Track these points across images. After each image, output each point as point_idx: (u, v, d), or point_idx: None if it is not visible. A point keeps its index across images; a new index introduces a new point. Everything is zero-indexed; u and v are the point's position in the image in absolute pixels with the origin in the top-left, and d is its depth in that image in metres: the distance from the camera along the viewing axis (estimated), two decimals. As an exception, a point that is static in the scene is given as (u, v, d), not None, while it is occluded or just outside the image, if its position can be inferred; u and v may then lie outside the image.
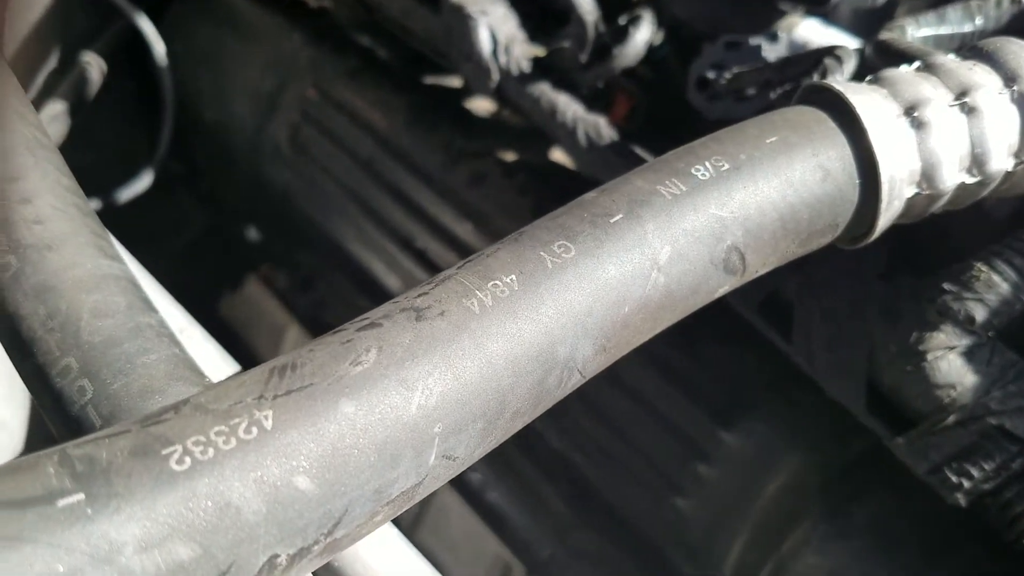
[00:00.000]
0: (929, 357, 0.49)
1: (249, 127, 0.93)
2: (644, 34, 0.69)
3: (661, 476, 0.63)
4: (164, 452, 0.23)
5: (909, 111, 0.39)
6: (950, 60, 0.42)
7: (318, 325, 1.11)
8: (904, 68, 0.42)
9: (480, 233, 0.75)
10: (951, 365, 0.49)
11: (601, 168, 0.67)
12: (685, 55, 0.78)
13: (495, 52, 0.72)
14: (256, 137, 0.92)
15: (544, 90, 0.70)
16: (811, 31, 0.69)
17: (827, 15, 0.70)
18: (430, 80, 0.86)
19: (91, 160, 0.96)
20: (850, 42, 0.68)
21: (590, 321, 0.32)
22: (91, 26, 1.02)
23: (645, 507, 0.64)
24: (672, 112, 0.85)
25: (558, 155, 0.79)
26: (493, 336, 0.30)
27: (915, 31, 0.64)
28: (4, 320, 0.35)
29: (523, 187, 0.74)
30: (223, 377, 0.35)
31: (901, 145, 0.39)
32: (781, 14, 0.70)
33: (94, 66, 0.94)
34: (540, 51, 0.75)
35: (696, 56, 0.72)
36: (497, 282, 0.31)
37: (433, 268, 0.79)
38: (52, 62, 1.02)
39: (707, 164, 0.36)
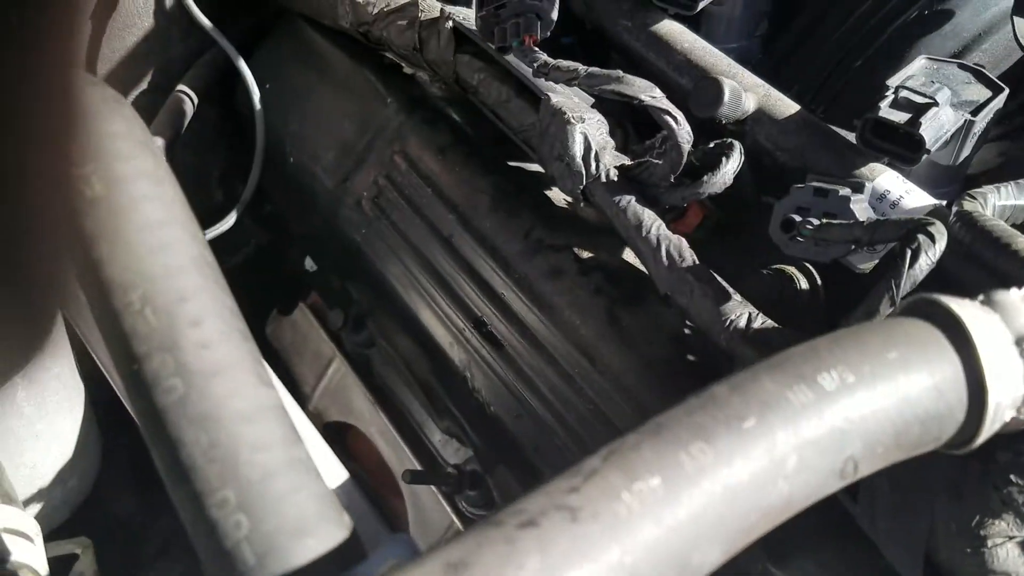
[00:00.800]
0: (989, 543, 0.52)
1: (334, 177, 0.95)
2: (734, 165, 0.72)
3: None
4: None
5: (1019, 341, 0.42)
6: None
7: (363, 368, 1.13)
8: (1014, 293, 0.45)
9: (550, 325, 0.78)
10: (1009, 554, 0.52)
11: (677, 287, 0.70)
12: (761, 178, 0.81)
13: (586, 156, 0.75)
14: (339, 187, 0.95)
15: (630, 202, 0.73)
16: (890, 182, 0.72)
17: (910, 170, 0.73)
18: (515, 163, 0.88)
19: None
20: (924, 198, 0.71)
21: (722, 529, 0.35)
22: (186, 55, 1.05)
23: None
24: (739, 222, 0.88)
25: (630, 255, 0.82)
26: (640, 544, 0.32)
27: (996, 200, 0.67)
28: (165, 443, 0.38)
29: (598, 287, 0.77)
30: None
31: (1010, 374, 0.41)
32: (866, 161, 0.73)
33: (187, 99, 0.96)
34: (627, 161, 0.78)
35: (783, 193, 0.75)
36: (642, 485, 0.34)
37: (495, 346, 0.82)
38: (143, 85, 1.05)
39: (832, 373, 0.39)
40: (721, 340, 0.65)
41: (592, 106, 0.81)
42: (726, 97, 0.74)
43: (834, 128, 0.78)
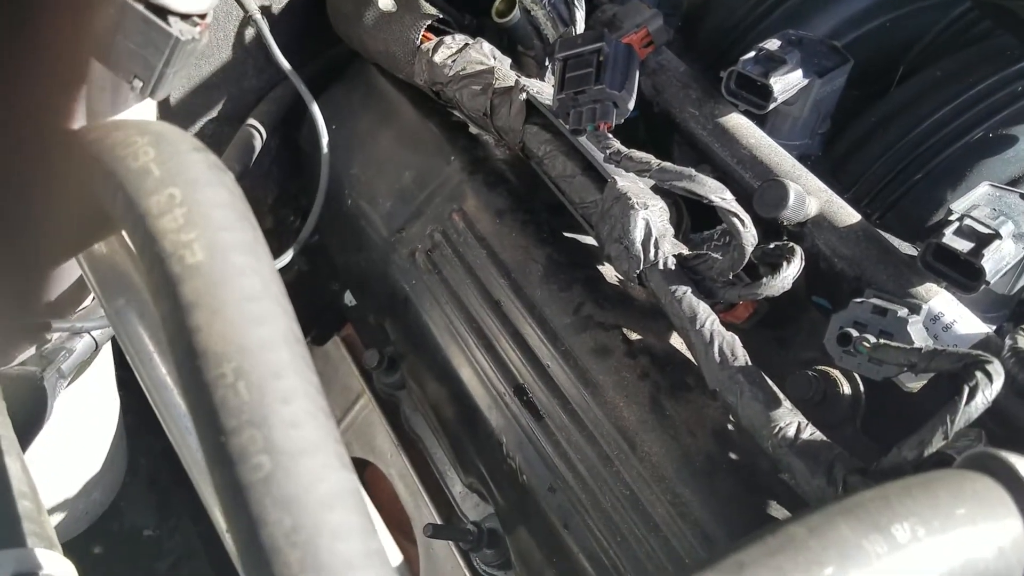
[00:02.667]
0: None
1: (391, 225, 0.97)
2: (794, 271, 0.73)
3: None
4: None
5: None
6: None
7: (390, 409, 1.14)
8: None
9: (592, 403, 0.78)
10: None
11: (727, 385, 0.71)
12: (814, 280, 0.82)
13: (646, 242, 0.76)
14: (394, 235, 0.97)
15: (686, 292, 0.74)
16: (945, 305, 0.73)
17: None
18: (571, 235, 0.90)
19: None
20: (977, 325, 0.72)
21: None
22: (258, 88, 1.08)
23: None
24: (785, 317, 0.89)
25: (677, 341, 0.83)
26: None
27: (1051, 335, 0.68)
28: (247, 521, 0.39)
29: (644, 371, 0.78)
30: None
31: (1071, 540, 0.42)
32: (922, 281, 0.74)
33: (256, 134, 0.99)
34: (685, 250, 0.80)
35: (836, 299, 0.76)
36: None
37: (535, 416, 0.83)
38: (213, 114, 1.07)
39: (905, 526, 0.40)
40: (768, 446, 0.65)
41: (652, 187, 0.83)
42: (791, 201, 0.76)
43: (890, 237, 0.80)
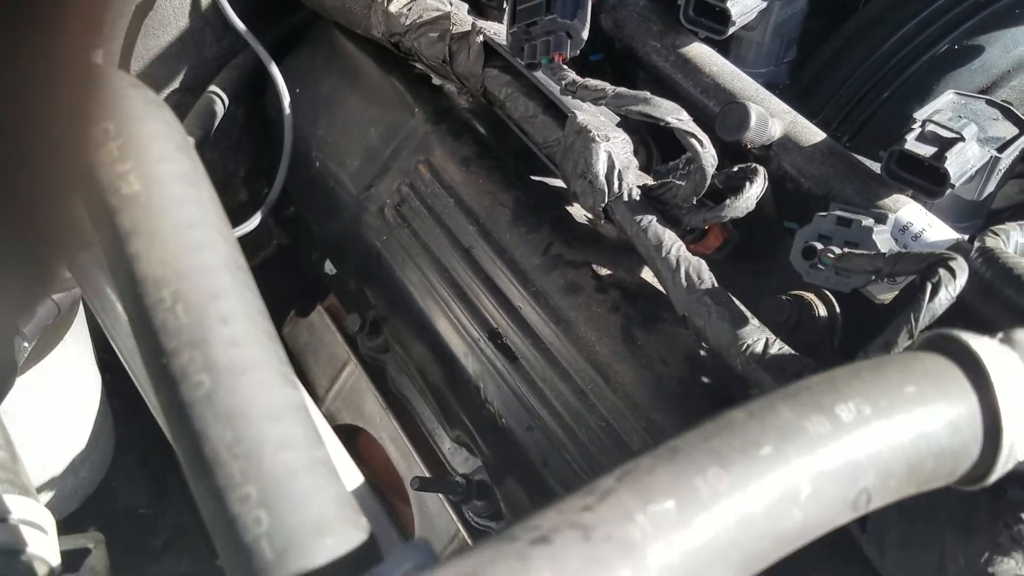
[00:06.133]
0: (998, 580, 0.52)
1: (358, 183, 0.97)
2: (757, 190, 0.72)
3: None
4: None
5: (1038, 380, 0.42)
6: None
7: (377, 373, 1.14)
8: (1037, 332, 0.45)
9: (565, 340, 0.78)
10: (1019, 592, 0.52)
11: (694, 308, 0.70)
12: (783, 203, 0.82)
13: (609, 175, 0.76)
14: (363, 193, 0.96)
15: (651, 221, 0.74)
16: (913, 215, 0.72)
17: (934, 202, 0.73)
18: (537, 179, 0.89)
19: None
20: (946, 232, 0.71)
21: (734, 555, 0.35)
22: (219, 56, 1.07)
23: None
24: (759, 246, 0.88)
25: (648, 274, 0.82)
26: (652, 567, 0.33)
27: (1019, 238, 0.67)
28: (190, 437, 0.38)
29: (615, 305, 0.77)
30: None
31: (1027, 412, 0.42)
32: (889, 192, 0.74)
33: (218, 100, 0.98)
34: (650, 181, 0.79)
35: (806, 220, 0.75)
36: (656, 508, 0.34)
37: (509, 358, 0.82)
38: (175, 84, 1.06)
39: (850, 405, 0.39)
40: (737, 364, 0.65)
41: (617, 124, 0.82)
42: (752, 122, 0.75)
43: (859, 158, 0.79)
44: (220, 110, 0.99)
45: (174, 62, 1.04)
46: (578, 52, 0.76)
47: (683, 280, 0.70)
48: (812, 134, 0.78)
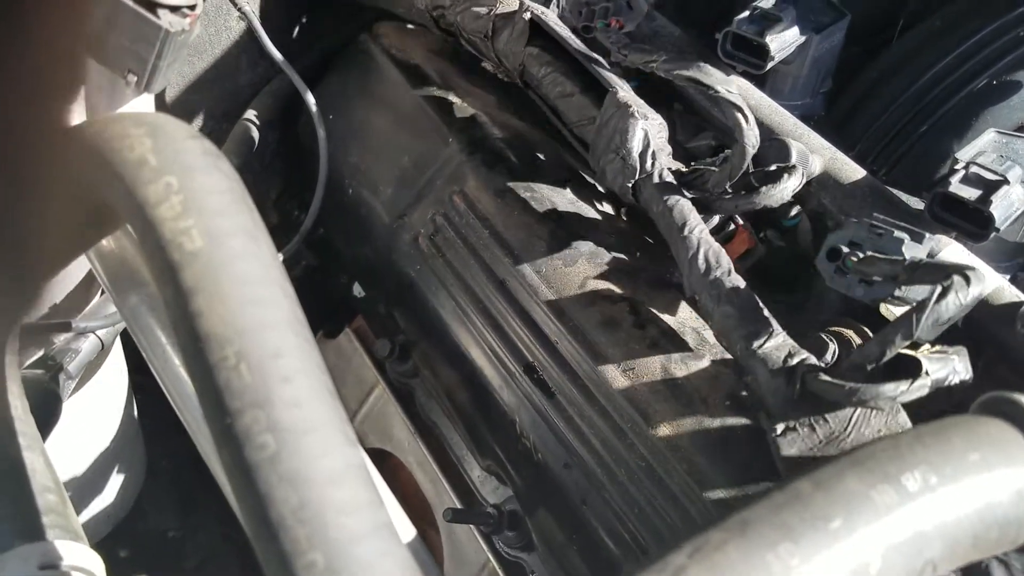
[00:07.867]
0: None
1: (392, 211, 0.97)
2: (795, 183, 0.72)
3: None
4: None
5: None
6: None
7: (405, 397, 1.14)
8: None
9: (602, 376, 0.78)
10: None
11: (707, 289, 0.69)
12: (822, 240, 0.81)
13: (643, 153, 0.76)
14: (397, 222, 0.96)
15: (678, 201, 0.73)
16: (956, 256, 0.71)
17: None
18: (573, 211, 0.89)
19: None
20: (990, 273, 0.70)
21: (806, 631, 0.35)
22: (253, 82, 1.08)
23: None
24: (794, 280, 0.88)
25: (685, 310, 0.82)
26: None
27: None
28: (255, 500, 0.39)
29: (653, 341, 0.77)
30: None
31: (1093, 480, 0.41)
32: (932, 233, 0.73)
33: (254, 128, 0.99)
34: (683, 167, 0.79)
35: (837, 227, 0.74)
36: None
37: (547, 393, 0.82)
38: (211, 111, 1.07)
39: (916, 474, 0.39)
40: (736, 351, 0.65)
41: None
42: (793, 159, 0.75)
43: (899, 194, 0.78)
44: (255, 137, 1.00)
45: (208, 89, 1.05)
46: (635, 25, 0.76)
47: (701, 262, 0.69)
48: (852, 171, 0.78)
